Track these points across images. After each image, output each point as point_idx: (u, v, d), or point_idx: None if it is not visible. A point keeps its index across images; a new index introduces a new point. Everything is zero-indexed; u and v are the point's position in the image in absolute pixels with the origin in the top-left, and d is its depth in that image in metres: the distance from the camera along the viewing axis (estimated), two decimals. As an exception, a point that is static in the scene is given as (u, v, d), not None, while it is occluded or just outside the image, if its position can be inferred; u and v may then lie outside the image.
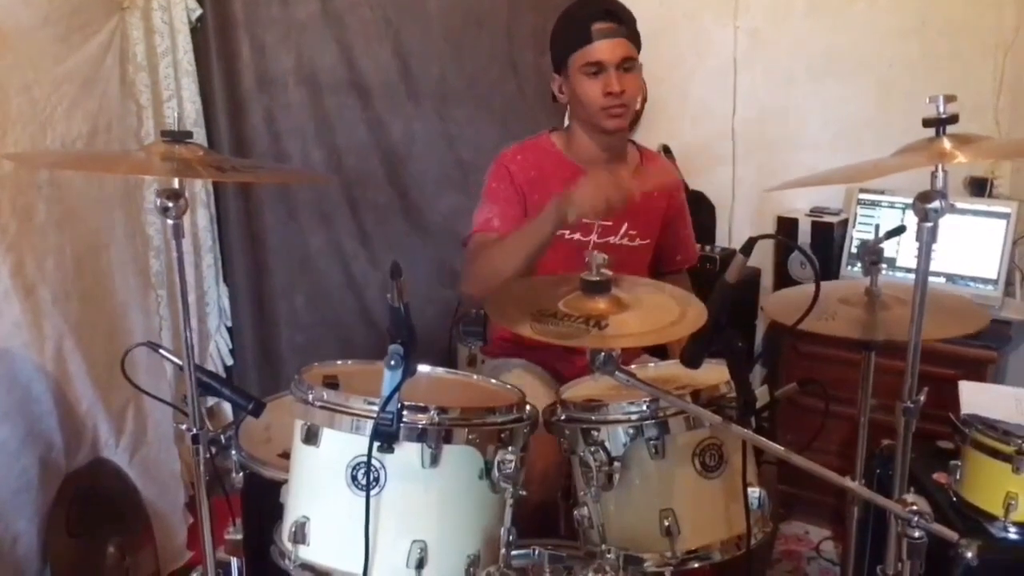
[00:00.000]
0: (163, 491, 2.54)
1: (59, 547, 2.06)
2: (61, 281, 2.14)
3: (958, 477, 1.96)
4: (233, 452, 1.70)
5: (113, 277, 2.44)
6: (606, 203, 1.72)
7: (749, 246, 1.28)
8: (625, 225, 2.12)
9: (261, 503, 1.65)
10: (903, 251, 2.64)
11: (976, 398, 2.00)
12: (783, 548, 2.78)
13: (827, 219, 2.90)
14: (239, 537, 1.75)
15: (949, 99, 1.31)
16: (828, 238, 2.89)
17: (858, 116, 2.98)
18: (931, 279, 2.55)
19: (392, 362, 1.25)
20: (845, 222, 2.90)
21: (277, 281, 3.20)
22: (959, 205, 2.68)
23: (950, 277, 2.70)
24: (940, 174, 1.31)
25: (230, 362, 3.18)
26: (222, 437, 1.68)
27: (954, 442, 2.01)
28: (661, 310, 1.34)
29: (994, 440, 1.85)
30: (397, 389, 1.26)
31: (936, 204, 1.30)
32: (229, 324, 3.16)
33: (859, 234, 2.86)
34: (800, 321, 1.36)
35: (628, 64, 1.99)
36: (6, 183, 1.93)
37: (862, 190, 2.87)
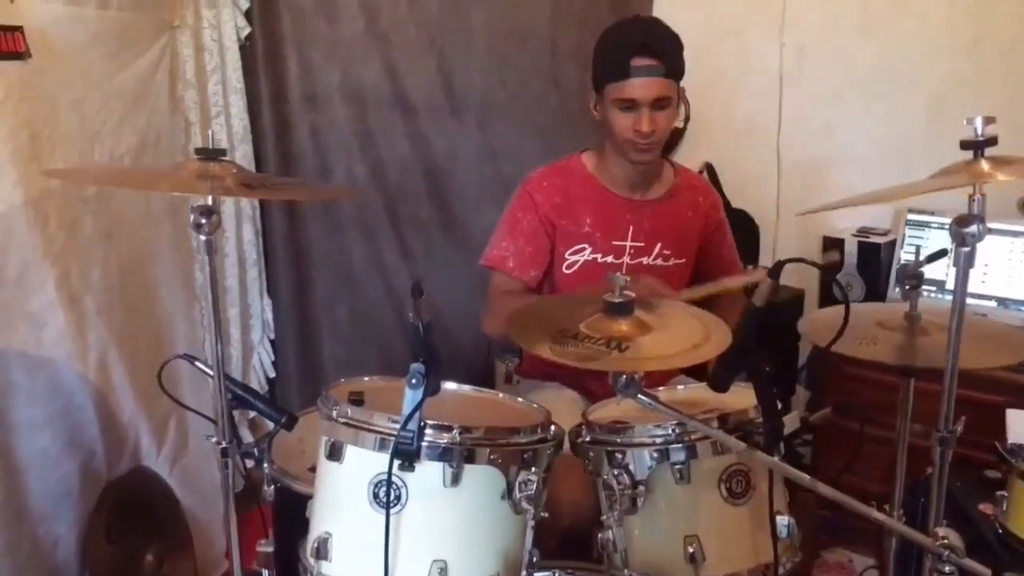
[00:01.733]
0: (203, 500, 2.57)
1: (98, 553, 2.09)
2: (106, 292, 2.19)
3: (1004, 508, 1.89)
4: (265, 465, 1.72)
5: (159, 289, 2.49)
6: None
7: (777, 269, 1.26)
8: (659, 245, 2.11)
9: (291, 516, 1.66)
10: (952, 274, 2.56)
11: (1024, 426, 1.94)
12: (825, 576, 2.72)
13: (874, 239, 2.84)
14: (270, 550, 1.77)
15: (988, 120, 1.27)
16: (875, 259, 2.82)
17: (908, 135, 2.92)
18: (982, 303, 2.58)
19: (413, 381, 1.26)
20: (893, 243, 2.84)
21: (320, 295, 3.24)
22: (1013, 227, 2.60)
23: (1002, 301, 2.62)
24: (978, 197, 1.27)
25: (273, 374, 3.21)
26: (255, 450, 1.71)
27: (1001, 472, 1.94)
28: (685, 333, 1.32)
29: (1041, 471, 1.79)
30: (418, 408, 1.26)
31: (974, 228, 1.26)
32: (272, 337, 3.20)
33: (907, 255, 2.79)
34: (833, 343, 1.33)
35: (662, 103, 1.96)
36: (54, 196, 1.98)
37: (911, 211, 2.80)
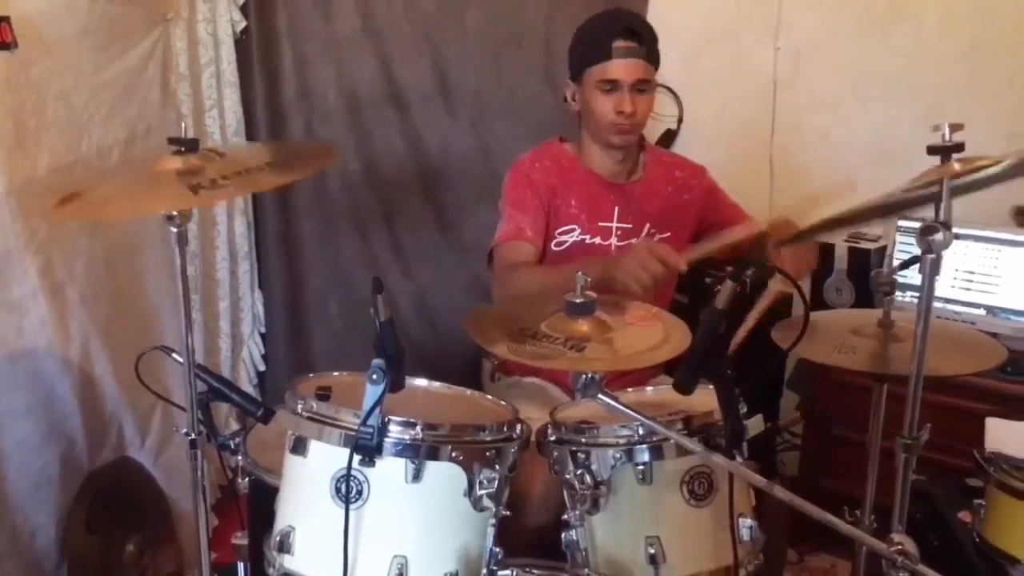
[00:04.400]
0: (188, 492, 2.56)
1: (77, 543, 2.11)
2: (91, 282, 2.20)
3: (982, 517, 1.88)
4: (239, 457, 1.73)
5: (146, 280, 2.50)
6: (652, 280, 1.71)
7: (739, 273, 1.26)
8: (647, 225, 2.12)
9: (264, 509, 1.67)
10: (932, 280, 2.55)
11: (1003, 435, 1.93)
12: (808, 581, 2.71)
13: (864, 245, 2.82)
14: (246, 543, 1.78)
15: (955, 127, 1.27)
16: (865, 264, 2.81)
17: (903, 142, 2.89)
18: (970, 311, 2.56)
19: (374, 376, 1.26)
20: (883, 248, 2.82)
21: (312, 288, 3.25)
22: (1002, 235, 2.59)
23: (991, 309, 2.60)
24: (944, 205, 1.26)
25: (263, 368, 3.23)
26: (231, 442, 1.72)
27: (980, 480, 1.94)
28: (644, 334, 1.32)
29: (1019, 480, 1.78)
30: (378, 404, 1.27)
31: (939, 236, 1.26)
32: (263, 330, 3.21)
33: (898, 262, 2.77)
34: (792, 347, 1.33)
35: (643, 86, 2.00)
36: (38, 185, 1.99)
37: (900, 216, 2.79)
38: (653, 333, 1.33)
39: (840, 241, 2.86)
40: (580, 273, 1.35)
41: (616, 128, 2.00)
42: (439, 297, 3.21)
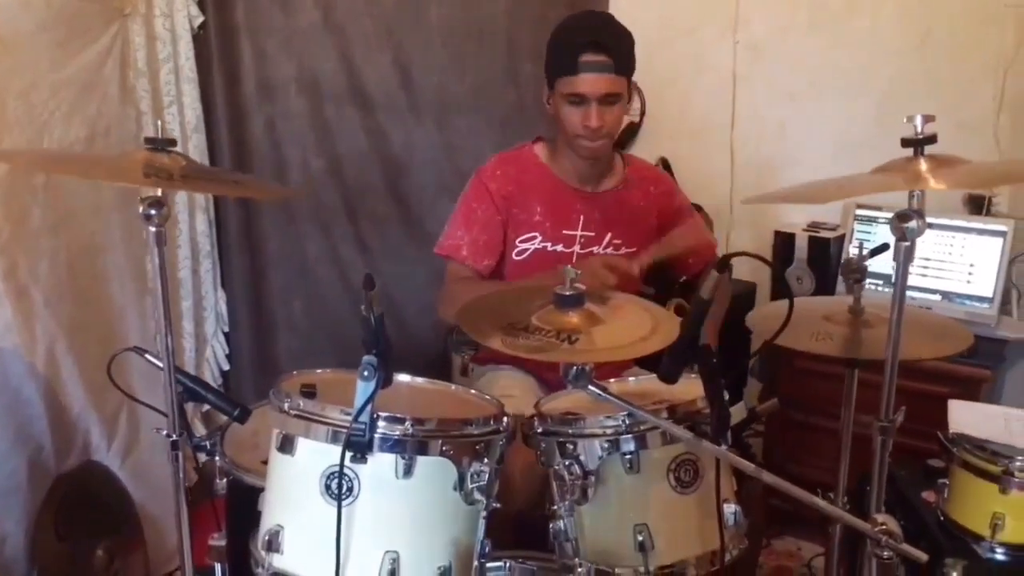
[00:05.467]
0: (155, 495, 2.54)
1: (47, 550, 2.07)
2: (55, 284, 2.16)
3: (945, 496, 1.94)
4: (217, 458, 1.71)
5: (109, 280, 2.46)
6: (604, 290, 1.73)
7: (723, 263, 1.29)
8: (609, 235, 2.13)
9: (244, 509, 1.66)
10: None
11: (965, 417, 1.99)
12: (774, 564, 2.77)
13: (824, 234, 2.89)
14: (223, 544, 1.76)
15: (928, 119, 1.31)
16: (825, 253, 2.88)
17: (858, 133, 2.97)
18: (926, 296, 2.64)
19: (365, 373, 1.26)
20: (842, 238, 2.89)
21: (275, 287, 3.22)
22: (957, 223, 2.67)
23: (945, 295, 2.69)
24: (918, 193, 1.30)
25: (227, 367, 3.19)
26: (207, 443, 1.70)
27: (943, 461, 2.00)
28: (634, 325, 1.34)
29: (981, 460, 1.84)
30: (370, 400, 1.27)
31: (913, 224, 1.30)
32: (226, 329, 3.17)
33: (856, 250, 2.84)
34: (774, 338, 1.36)
35: (611, 99, 1.99)
36: (1, 186, 1.95)
37: (859, 205, 2.86)
38: (642, 323, 1.35)
39: (800, 231, 2.92)
40: (567, 268, 1.36)
41: (582, 139, 2.01)
42: (404, 292, 3.20)
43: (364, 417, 1.28)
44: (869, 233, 2.83)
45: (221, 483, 1.72)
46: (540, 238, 2.12)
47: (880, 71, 2.93)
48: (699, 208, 3.14)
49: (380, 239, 3.24)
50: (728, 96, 3.14)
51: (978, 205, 2.78)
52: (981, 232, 2.66)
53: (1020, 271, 2.72)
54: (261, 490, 1.51)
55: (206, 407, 2.93)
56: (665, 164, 3.17)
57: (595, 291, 1.69)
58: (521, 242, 2.13)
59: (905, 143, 1.31)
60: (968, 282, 2.67)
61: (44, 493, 2.09)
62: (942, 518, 1.94)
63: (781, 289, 2.89)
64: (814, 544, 2.83)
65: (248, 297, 3.18)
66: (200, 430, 2.95)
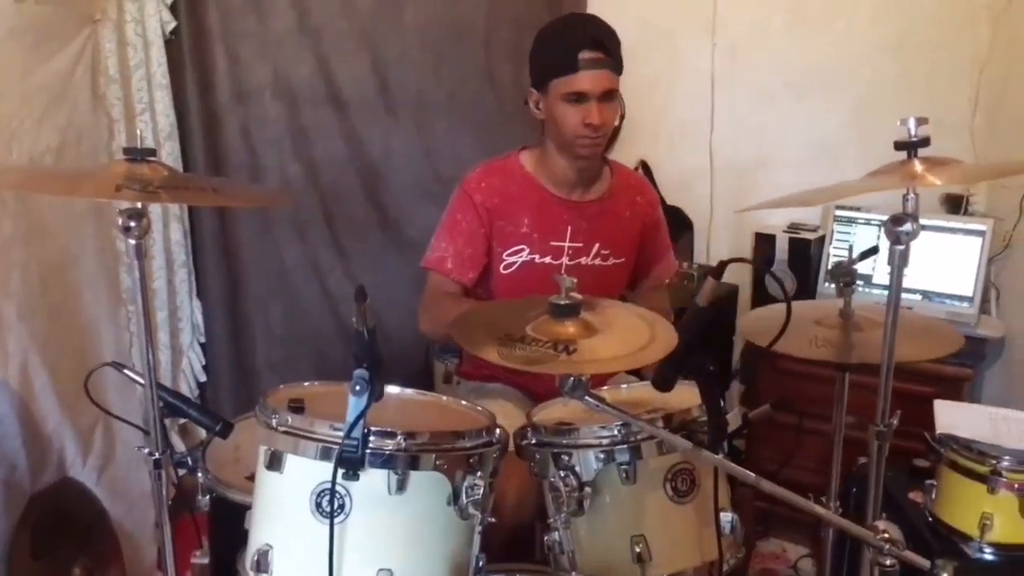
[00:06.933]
0: (132, 511, 2.49)
1: (23, 570, 2.01)
2: (27, 297, 2.10)
3: (933, 497, 1.95)
4: (200, 475, 1.67)
5: (82, 293, 2.40)
6: None
7: (720, 269, 1.27)
8: (597, 245, 2.11)
9: (227, 526, 1.62)
10: (879, 268, 2.64)
11: (951, 417, 2.00)
12: (760, 566, 2.76)
13: (804, 236, 2.90)
14: (205, 561, 1.72)
15: (921, 121, 1.30)
16: (805, 255, 2.88)
17: (836, 134, 2.99)
18: (906, 296, 2.65)
19: (357, 387, 1.23)
20: (823, 239, 2.90)
21: (252, 296, 3.16)
22: (935, 223, 2.68)
23: (925, 294, 2.70)
24: (912, 196, 1.30)
25: (203, 379, 3.13)
26: (188, 458, 1.66)
27: (930, 461, 2.00)
28: (631, 334, 1.32)
29: (968, 460, 1.85)
30: (362, 415, 1.23)
31: (908, 227, 1.29)
32: (203, 340, 3.11)
33: (836, 251, 2.85)
34: (772, 344, 1.34)
35: (610, 96, 1.98)
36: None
37: (838, 207, 2.87)
38: (639, 332, 1.33)
39: (780, 232, 2.93)
40: (563, 277, 1.34)
41: (583, 139, 1.99)
42: (384, 299, 3.16)
43: (356, 433, 1.24)
44: (848, 234, 2.85)
45: (204, 500, 1.69)
46: (528, 250, 2.09)
47: (857, 72, 2.95)
48: (678, 210, 3.15)
49: (359, 245, 3.20)
50: (707, 98, 3.14)
51: (956, 205, 2.80)
52: (960, 231, 2.68)
53: (999, 270, 2.75)
54: (245, 507, 1.47)
55: (182, 419, 2.91)
56: (645, 167, 3.17)
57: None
58: (508, 255, 2.10)
59: (899, 146, 1.30)
60: (947, 281, 2.68)
61: (19, 513, 2.03)
62: (930, 519, 1.94)
63: (763, 292, 2.90)
64: (798, 546, 2.84)
65: (224, 307, 3.12)
66: (178, 443, 2.90)
